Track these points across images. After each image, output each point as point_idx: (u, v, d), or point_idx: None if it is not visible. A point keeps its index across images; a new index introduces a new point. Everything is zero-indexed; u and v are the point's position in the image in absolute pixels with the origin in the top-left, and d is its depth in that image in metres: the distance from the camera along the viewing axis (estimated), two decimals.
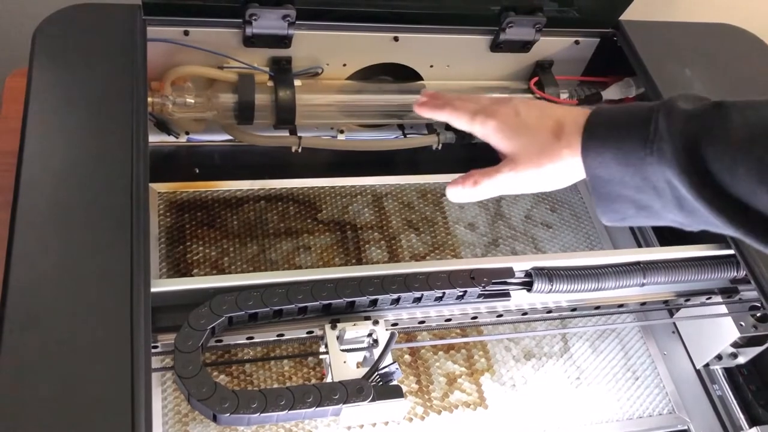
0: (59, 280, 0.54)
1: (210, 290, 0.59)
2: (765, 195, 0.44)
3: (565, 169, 0.53)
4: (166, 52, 0.77)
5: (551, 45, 0.90)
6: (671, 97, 0.50)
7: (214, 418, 0.53)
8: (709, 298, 0.75)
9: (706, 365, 0.80)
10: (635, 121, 0.50)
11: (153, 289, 0.56)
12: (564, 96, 0.90)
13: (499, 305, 0.69)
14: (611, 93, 0.91)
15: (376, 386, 0.57)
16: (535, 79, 0.91)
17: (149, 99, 0.75)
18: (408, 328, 0.68)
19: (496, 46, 0.87)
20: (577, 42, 0.91)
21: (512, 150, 0.55)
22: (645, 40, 0.89)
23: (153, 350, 0.58)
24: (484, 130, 0.57)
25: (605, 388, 0.80)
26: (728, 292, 0.75)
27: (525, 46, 0.88)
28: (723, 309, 0.75)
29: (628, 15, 0.90)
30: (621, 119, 0.51)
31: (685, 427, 0.79)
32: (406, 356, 0.78)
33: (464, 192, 0.58)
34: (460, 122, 0.59)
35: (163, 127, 0.86)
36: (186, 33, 0.76)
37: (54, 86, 0.66)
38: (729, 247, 0.71)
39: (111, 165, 0.61)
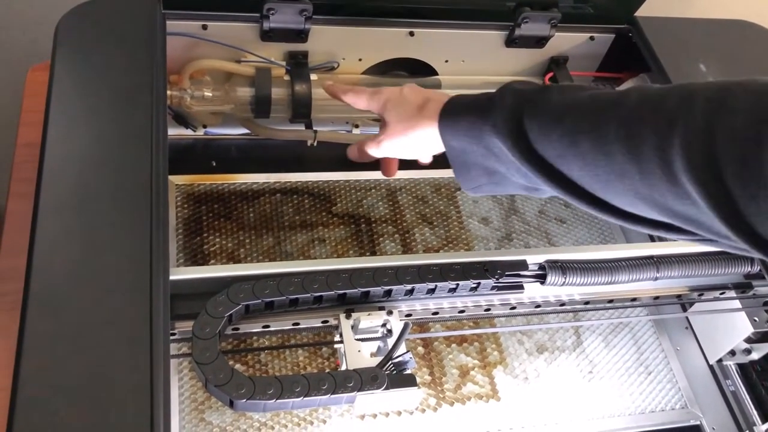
0: (81, 267, 0.55)
1: (227, 279, 0.60)
2: (572, 158, 0.51)
3: (426, 138, 0.63)
4: (184, 45, 0.78)
5: (566, 41, 0.90)
6: (513, 82, 0.59)
7: (231, 404, 0.54)
8: (723, 293, 0.75)
9: (719, 361, 0.80)
10: (482, 99, 0.59)
11: (172, 277, 0.57)
12: None
13: (513, 298, 0.69)
14: None
15: (390, 375, 0.57)
16: (550, 74, 0.91)
17: (168, 92, 0.76)
18: (421, 319, 0.69)
19: (511, 42, 0.87)
20: (592, 38, 0.91)
21: (388, 119, 0.66)
22: (660, 37, 0.89)
23: (171, 337, 0.59)
24: (378, 103, 0.68)
25: (617, 382, 0.80)
26: (742, 287, 0.75)
27: (540, 41, 0.88)
28: (737, 304, 0.75)
29: (644, 11, 0.90)
30: (472, 99, 0.60)
31: (698, 422, 0.79)
32: (419, 348, 0.79)
33: (356, 154, 0.71)
34: (361, 100, 0.70)
35: (181, 120, 0.87)
36: (204, 27, 0.77)
37: (76, 79, 0.67)
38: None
39: (131, 156, 0.62)
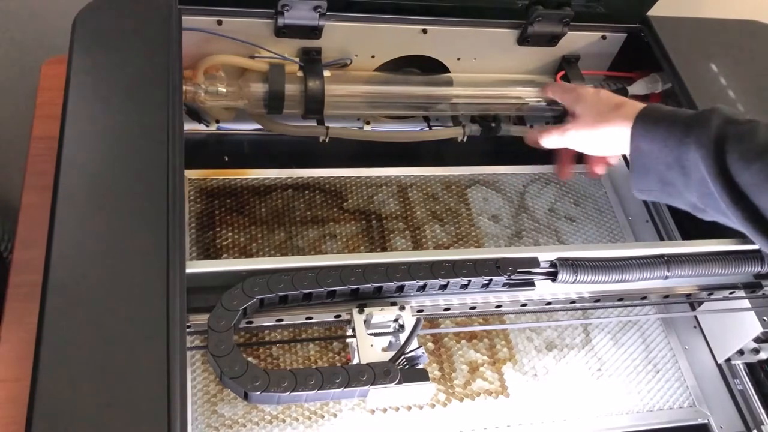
0: (99, 259, 0.56)
1: (242, 272, 0.60)
2: (766, 191, 0.56)
3: (614, 136, 0.67)
4: (199, 41, 0.79)
5: (578, 39, 0.90)
6: (719, 105, 0.63)
7: (245, 396, 0.55)
8: (733, 292, 0.76)
9: (728, 360, 0.80)
10: (685, 112, 0.63)
11: (188, 270, 0.57)
12: None
13: (523, 295, 0.69)
14: (637, 88, 0.92)
15: (403, 369, 0.58)
16: (562, 73, 0.91)
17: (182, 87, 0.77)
18: (433, 314, 0.69)
19: (524, 40, 0.88)
20: (604, 37, 0.91)
21: (580, 112, 0.72)
22: (672, 36, 0.89)
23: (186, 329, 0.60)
24: (571, 96, 0.76)
25: (626, 380, 0.81)
26: (752, 287, 0.75)
27: (552, 40, 0.88)
28: (746, 304, 0.75)
29: (656, 11, 0.90)
30: (673, 110, 0.64)
31: (705, 421, 0.79)
32: (429, 344, 0.79)
33: (535, 139, 0.77)
34: (557, 92, 0.83)
35: (195, 115, 0.88)
36: (219, 22, 0.78)
37: (93, 73, 0.67)
38: (754, 242, 0.72)
39: (148, 151, 0.63)
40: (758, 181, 0.57)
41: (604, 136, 0.69)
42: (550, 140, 0.75)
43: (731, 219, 0.61)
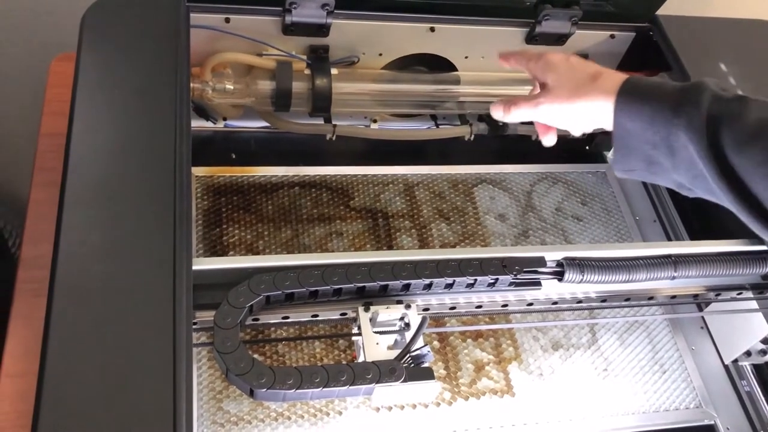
0: (105, 255, 0.56)
1: (248, 270, 0.60)
2: (760, 178, 0.54)
3: (593, 110, 0.61)
4: (207, 38, 0.79)
5: (586, 38, 0.90)
6: (704, 78, 0.59)
7: (251, 393, 0.55)
8: (740, 293, 0.75)
9: (735, 361, 0.80)
10: (672, 90, 0.58)
11: (194, 267, 0.58)
12: None
13: (529, 294, 0.69)
14: None
15: (408, 368, 0.58)
16: None
17: (190, 84, 0.77)
18: (438, 313, 0.69)
19: (532, 39, 0.87)
20: (612, 36, 0.91)
21: (552, 83, 0.64)
22: (681, 36, 0.89)
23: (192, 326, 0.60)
24: (539, 65, 0.66)
25: (632, 381, 0.80)
26: (760, 288, 0.75)
27: (560, 39, 0.88)
28: (754, 305, 0.75)
29: (665, 10, 0.90)
30: (658, 85, 0.59)
31: (712, 422, 0.79)
32: (435, 342, 0.79)
33: (502, 110, 0.68)
34: (521, 61, 0.70)
35: (202, 112, 0.88)
36: (227, 20, 0.78)
37: (101, 70, 0.68)
38: (762, 243, 0.71)
39: (156, 147, 0.63)
40: (753, 165, 0.54)
41: (581, 111, 0.62)
42: (519, 113, 0.67)
43: (721, 200, 0.58)
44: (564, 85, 0.63)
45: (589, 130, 0.65)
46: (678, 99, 0.57)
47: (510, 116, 0.68)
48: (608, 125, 0.61)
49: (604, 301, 0.73)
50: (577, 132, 0.66)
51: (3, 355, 0.69)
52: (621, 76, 0.61)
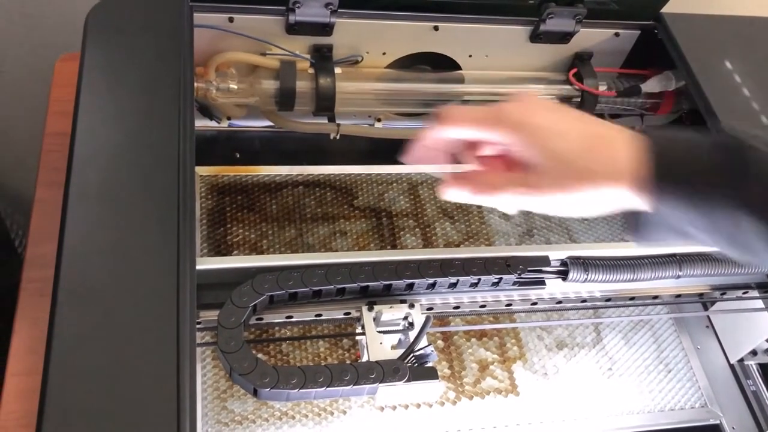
0: (110, 255, 0.56)
1: (252, 269, 0.60)
2: None
3: (603, 197, 0.47)
4: (211, 38, 0.79)
5: (591, 37, 0.90)
6: (736, 132, 0.48)
7: (255, 393, 0.55)
8: (746, 292, 0.75)
9: (740, 360, 0.80)
10: (707, 160, 0.46)
11: (198, 267, 0.58)
12: (602, 88, 0.90)
13: (534, 293, 0.69)
14: (651, 86, 0.91)
15: (412, 367, 0.58)
16: (574, 70, 0.91)
17: (194, 84, 0.77)
18: (442, 312, 0.69)
19: (536, 37, 0.87)
20: (617, 34, 0.90)
21: (536, 158, 0.47)
22: (686, 33, 0.88)
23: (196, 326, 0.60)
24: (508, 129, 0.48)
25: (637, 380, 0.80)
26: (765, 287, 0.75)
27: (564, 37, 0.88)
28: (759, 304, 0.75)
29: (670, 8, 0.89)
30: (692, 158, 0.46)
31: (717, 422, 0.79)
32: (439, 342, 0.79)
33: (459, 196, 0.52)
34: (484, 122, 0.50)
35: (206, 111, 0.88)
36: (231, 20, 0.78)
37: (105, 69, 0.68)
38: None
39: (159, 147, 0.63)
40: None
41: (586, 200, 0.47)
42: (495, 200, 0.50)
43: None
44: (556, 164, 0.46)
45: (593, 216, 0.52)
46: (730, 173, 0.45)
47: (486, 202, 0.52)
48: (618, 208, 0.48)
49: (608, 300, 0.73)
50: (575, 215, 0.50)
51: (8, 354, 0.70)
52: (626, 143, 0.46)
